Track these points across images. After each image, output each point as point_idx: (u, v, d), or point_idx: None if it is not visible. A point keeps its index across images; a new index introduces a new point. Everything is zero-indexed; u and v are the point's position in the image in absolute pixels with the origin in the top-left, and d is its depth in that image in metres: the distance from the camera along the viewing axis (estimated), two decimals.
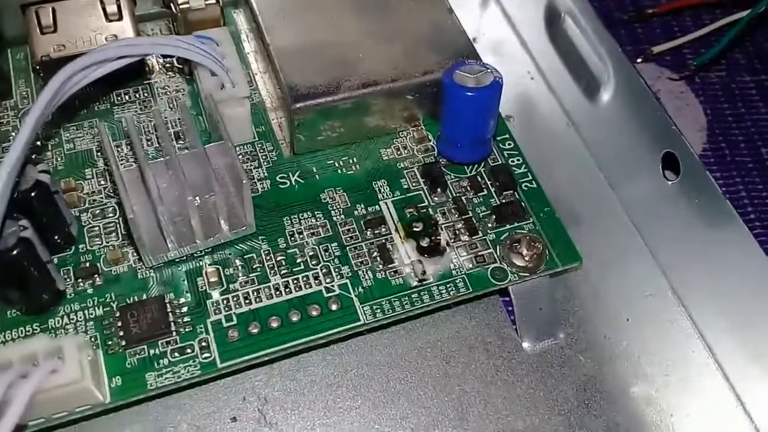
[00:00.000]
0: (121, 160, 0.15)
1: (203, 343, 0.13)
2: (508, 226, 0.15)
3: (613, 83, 0.16)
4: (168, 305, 0.13)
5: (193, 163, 0.13)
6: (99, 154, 0.15)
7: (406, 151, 0.16)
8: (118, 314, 0.13)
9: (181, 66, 0.16)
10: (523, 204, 0.15)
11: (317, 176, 0.15)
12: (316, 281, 0.13)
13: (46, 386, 0.10)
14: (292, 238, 0.14)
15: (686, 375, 0.14)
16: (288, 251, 0.14)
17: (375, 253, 0.14)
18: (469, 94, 0.14)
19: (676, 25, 0.21)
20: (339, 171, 0.15)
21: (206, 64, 0.14)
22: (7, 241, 0.11)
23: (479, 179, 0.15)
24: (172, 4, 0.15)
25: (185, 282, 0.13)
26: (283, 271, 0.14)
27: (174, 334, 0.13)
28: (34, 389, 0.10)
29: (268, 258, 0.14)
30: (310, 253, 0.14)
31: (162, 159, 0.13)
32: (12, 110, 0.16)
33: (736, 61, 0.20)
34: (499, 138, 0.16)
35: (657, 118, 0.15)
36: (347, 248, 0.14)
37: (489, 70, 0.15)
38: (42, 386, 0.10)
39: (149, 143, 0.15)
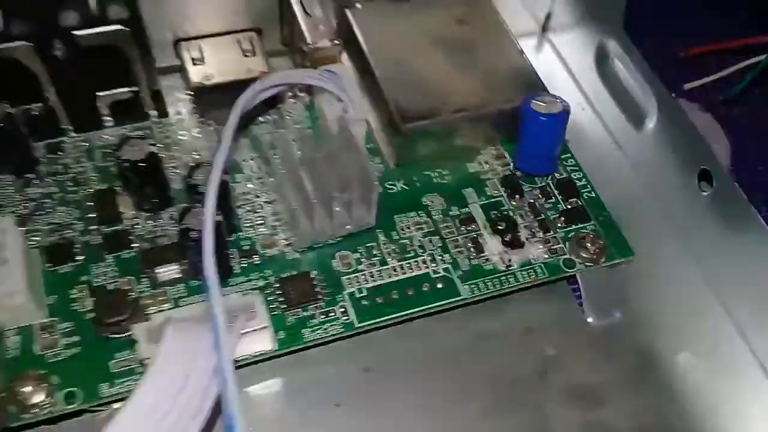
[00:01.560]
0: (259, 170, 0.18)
1: (342, 309, 0.16)
2: (574, 226, 0.18)
3: (656, 114, 0.19)
4: (313, 279, 0.16)
5: (331, 168, 0.16)
6: (244, 161, 0.18)
7: (487, 166, 0.19)
8: (277, 285, 0.16)
9: (303, 94, 0.20)
10: (585, 209, 0.18)
11: (418, 184, 0.19)
12: (425, 265, 0.17)
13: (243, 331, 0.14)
14: (402, 232, 0.18)
15: (723, 357, 0.17)
16: (400, 242, 0.17)
17: (469, 245, 0.17)
18: (543, 119, 0.18)
19: (702, 67, 0.24)
20: (434, 180, 0.19)
21: (336, 92, 0.18)
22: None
23: (548, 189, 0.19)
24: (302, 44, 0.19)
25: (325, 262, 0.17)
26: (397, 258, 0.17)
27: (320, 301, 0.16)
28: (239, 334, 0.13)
29: (385, 246, 0.17)
30: (418, 244, 0.17)
31: (305, 166, 0.17)
32: (172, 125, 0.19)
33: (756, 98, 0.24)
34: (562, 156, 0.19)
35: (694, 141, 0.18)
36: (446, 240, 0.17)
37: (558, 101, 0.18)
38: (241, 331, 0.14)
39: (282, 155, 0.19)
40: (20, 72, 0.16)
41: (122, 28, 0.16)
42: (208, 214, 0.14)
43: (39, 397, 0.14)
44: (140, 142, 0.16)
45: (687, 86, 0.23)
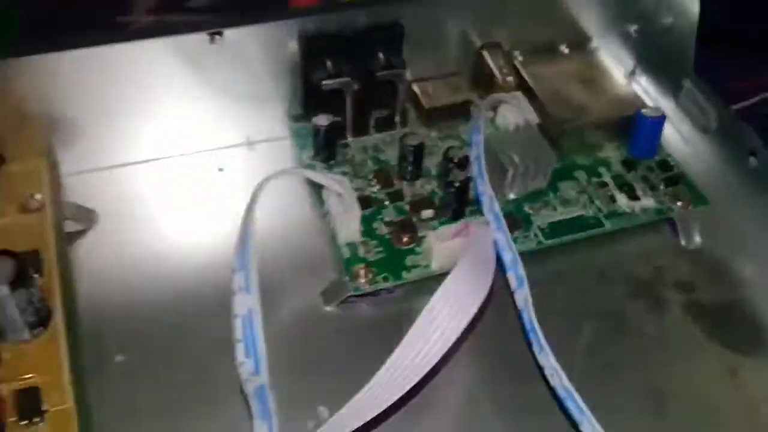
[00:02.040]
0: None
1: (534, 233, 0.26)
2: (670, 188, 0.28)
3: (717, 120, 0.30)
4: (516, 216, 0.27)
5: (523, 151, 0.27)
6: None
7: (612, 153, 0.29)
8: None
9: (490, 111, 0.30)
10: (676, 177, 0.28)
11: (568, 165, 0.29)
12: (586, 210, 0.27)
13: None
14: (562, 192, 0.28)
15: None
16: (562, 197, 0.28)
17: (607, 199, 0.28)
18: (649, 120, 0.28)
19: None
20: (578, 162, 0.29)
21: (521, 106, 0.28)
22: None
23: (652, 166, 0.29)
24: (494, 80, 0.30)
25: (521, 207, 0.27)
26: (561, 207, 0.27)
27: (521, 229, 0.26)
28: None
29: (553, 199, 0.28)
30: (573, 198, 0.27)
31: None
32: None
33: None
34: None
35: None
36: (591, 197, 0.28)
37: (658, 110, 0.29)
38: None
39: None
40: (337, 96, 0.27)
41: (401, 71, 0.27)
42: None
43: (366, 278, 0.25)
44: (414, 136, 0.27)
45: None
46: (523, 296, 0.21)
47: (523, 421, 0.22)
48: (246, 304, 0.21)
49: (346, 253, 0.25)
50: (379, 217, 0.26)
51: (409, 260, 0.25)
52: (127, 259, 0.25)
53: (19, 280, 0.21)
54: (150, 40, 0.25)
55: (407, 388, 0.19)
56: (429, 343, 0.20)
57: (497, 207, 0.23)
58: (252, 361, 0.20)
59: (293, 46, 0.27)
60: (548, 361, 0.20)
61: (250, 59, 0.27)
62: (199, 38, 0.25)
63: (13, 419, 0.20)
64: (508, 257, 0.22)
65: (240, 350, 0.21)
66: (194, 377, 0.22)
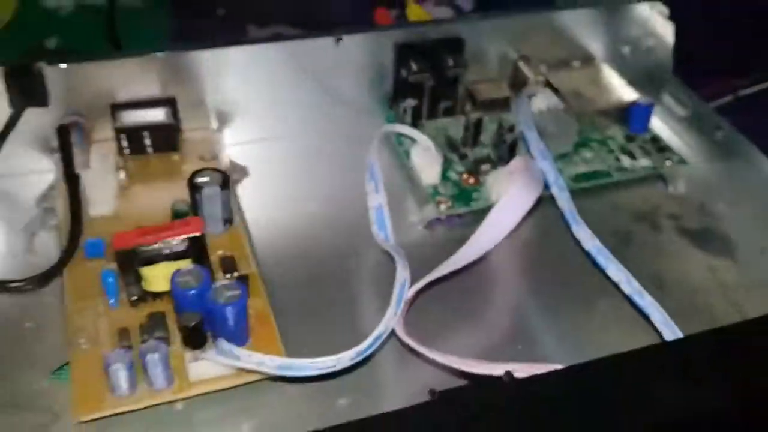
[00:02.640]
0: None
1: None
2: (661, 153, 0.38)
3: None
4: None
5: (555, 125, 0.37)
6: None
7: (615, 131, 0.40)
8: None
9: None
10: (663, 146, 0.39)
11: (584, 138, 0.39)
12: (599, 166, 0.37)
13: None
14: (578, 153, 0.38)
15: None
16: (580, 156, 0.38)
17: (616, 159, 0.38)
18: (644, 106, 0.39)
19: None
20: (591, 136, 0.39)
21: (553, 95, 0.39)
22: None
23: (646, 139, 0.39)
24: (528, 79, 0.40)
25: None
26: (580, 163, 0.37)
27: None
28: None
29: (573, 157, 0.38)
30: (591, 159, 0.38)
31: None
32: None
33: None
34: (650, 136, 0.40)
35: None
36: (604, 159, 0.38)
37: (648, 99, 0.39)
38: None
39: None
40: (418, 89, 0.38)
41: (462, 70, 0.38)
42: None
43: (446, 205, 0.34)
44: (476, 113, 0.37)
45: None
46: (565, 198, 0.31)
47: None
48: (377, 200, 0.31)
49: (430, 189, 0.35)
50: (451, 168, 0.36)
51: (474, 195, 0.35)
52: (270, 198, 0.35)
53: (225, 184, 0.30)
54: (289, 42, 0.36)
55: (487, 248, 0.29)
56: (500, 226, 0.30)
57: (542, 144, 0.33)
58: (383, 232, 0.30)
59: (389, 51, 0.37)
60: (588, 237, 0.30)
61: (359, 59, 0.38)
62: (326, 41, 0.36)
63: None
64: (551, 177, 0.32)
65: (375, 229, 0.31)
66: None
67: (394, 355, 0.27)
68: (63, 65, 0.32)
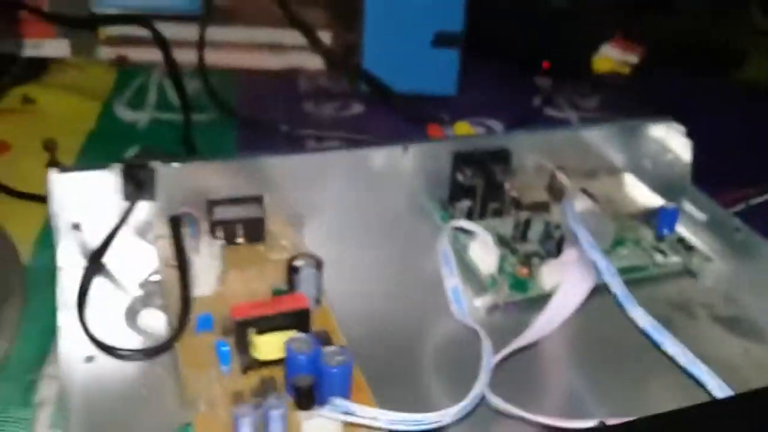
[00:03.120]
0: None
1: None
2: (688, 251, 0.42)
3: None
4: None
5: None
6: None
7: (644, 234, 0.44)
8: None
9: None
10: (690, 246, 0.43)
11: (618, 238, 0.43)
12: (636, 261, 0.41)
13: None
14: (623, 252, 0.42)
15: None
16: None
17: (647, 255, 0.42)
18: (671, 210, 0.43)
19: None
20: (625, 236, 0.44)
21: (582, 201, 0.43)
22: None
23: (674, 240, 0.43)
24: (562, 191, 0.45)
25: None
26: None
27: None
28: None
29: None
30: (632, 256, 0.42)
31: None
32: None
33: None
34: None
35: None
36: (641, 254, 0.42)
37: (672, 204, 0.44)
38: None
39: None
40: (470, 192, 0.42)
41: (507, 176, 0.43)
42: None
43: (504, 292, 0.38)
44: (525, 213, 0.41)
45: None
46: (617, 283, 0.35)
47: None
48: (453, 282, 0.35)
49: (489, 279, 0.39)
50: (505, 261, 0.40)
51: (529, 284, 0.39)
52: (345, 285, 0.39)
53: (319, 266, 0.34)
54: (364, 149, 0.41)
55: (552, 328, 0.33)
56: (564, 307, 0.34)
57: (591, 237, 0.37)
58: (460, 309, 0.34)
59: (447, 158, 0.42)
60: (642, 315, 0.33)
61: (421, 165, 0.42)
62: (396, 149, 0.41)
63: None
64: (603, 265, 0.36)
65: (454, 307, 0.36)
66: None
67: (482, 416, 0.30)
68: (175, 164, 0.37)
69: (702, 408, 0.25)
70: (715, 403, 0.25)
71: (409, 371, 0.33)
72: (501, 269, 0.40)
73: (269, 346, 0.30)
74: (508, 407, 0.29)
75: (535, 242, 0.42)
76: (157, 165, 0.37)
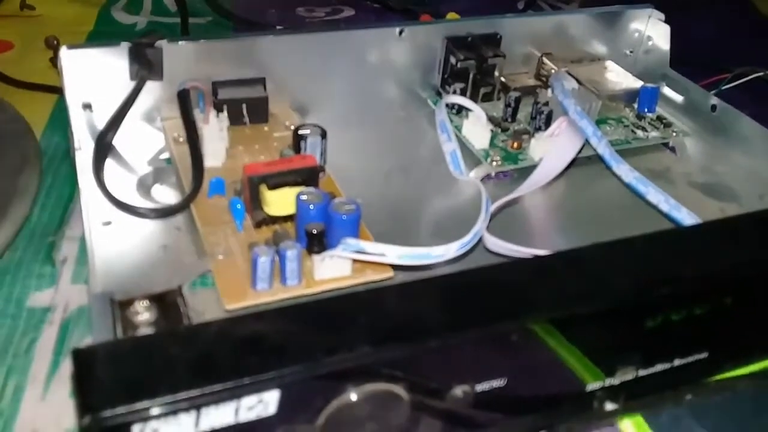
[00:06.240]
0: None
1: None
2: (667, 127, 0.43)
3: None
4: None
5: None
6: None
7: (626, 113, 0.45)
8: None
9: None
10: (669, 123, 0.44)
11: (603, 117, 0.44)
12: (618, 136, 0.42)
13: None
14: (606, 128, 0.43)
15: None
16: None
17: (629, 131, 0.43)
18: (651, 88, 0.44)
19: None
20: (608, 116, 0.44)
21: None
22: None
23: (654, 117, 0.44)
24: (544, 72, 0.45)
25: None
26: None
27: None
28: None
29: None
30: (615, 131, 0.42)
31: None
32: None
33: None
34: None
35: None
36: (623, 130, 0.43)
37: (654, 85, 0.44)
38: None
39: None
40: (463, 74, 0.43)
41: (500, 59, 0.43)
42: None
43: (497, 163, 0.39)
44: (515, 92, 0.42)
45: None
46: (603, 144, 0.36)
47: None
48: (451, 146, 0.36)
49: (482, 153, 0.39)
50: (496, 139, 0.41)
51: (520, 156, 0.39)
52: (346, 157, 0.39)
53: (324, 134, 0.34)
54: (360, 30, 0.41)
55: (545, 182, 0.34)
56: (555, 165, 0.35)
57: (579, 107, 0.38)
58: (458, 170, 0.35)
59: (439, 40, 0.42)
60: (628, 170, 0.34)
61: (415, 48, 0.42)
62: (390, 31, 0.41)
63: None
64: (590, 130, 0.37)
65: (452, 168, 0.37)
66: None
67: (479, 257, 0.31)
68: (182, 42, 0.37)
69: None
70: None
71: (412, 230, 0.34)
72: (493, 144, 0.40)
73: (281, 201, 0.31)
74: (505, 245, 0.30)
75: (524, 122, 0.42)
76: (163, 44, 0.36)
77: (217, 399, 0.19)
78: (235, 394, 0.19)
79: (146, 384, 0.19)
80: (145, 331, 0.24)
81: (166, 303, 0.26)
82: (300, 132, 0.34)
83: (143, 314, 0.25)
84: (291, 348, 0.20)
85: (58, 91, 0.44)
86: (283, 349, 0.20)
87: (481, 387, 0.22)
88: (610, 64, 0.48)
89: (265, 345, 0.20)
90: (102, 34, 0.53)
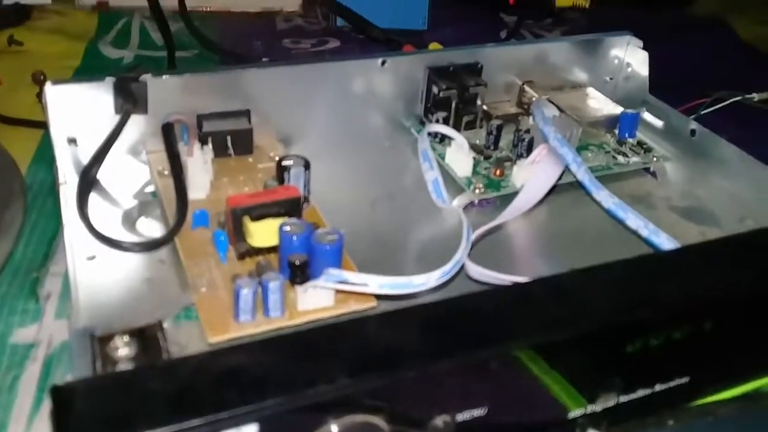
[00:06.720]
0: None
1: None
2: (648, 153, 0.44)
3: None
4: None
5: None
6: None
7: (606, 139, 0.45)
8: None
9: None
10: (650, 148, 0.44)
11: (584, 143, 0.44)
12: (599, 162, 0.42)
13: None
14: (588, 155, 0.43)
15: None
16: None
17: (610, 157, 0.43)
18: (631, 115, 0.44)
19: None
20: (589, 142, 0.45)
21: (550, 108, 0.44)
22: None
23: (634, 143, 0.45)
24: (526, 101, 0.46)
25: None
26: None
27: None
28: None
29: None
30: (596, 158, 0.43)
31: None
32: None
33: None
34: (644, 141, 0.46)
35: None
36: (604, 156, 0.43)
37: (634, 111, 0.45)
38: None
39: None
40: (446, 103, 0.43)
41: (482, 88, 0.43)
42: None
43: (480, 191, 0.39)
44: (497, 121, 0.42)
45: None
46: (583, 170, 0.36)
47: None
48: (433, 175, 0.36)
49: (465, 180, 0.40)
50: (479, 166, 0.41)
51: (502, 184, 0.40)
52: (330, 186, 0.39)
53: (307, 165, 0.35)
54: (343, 62, 0.41)
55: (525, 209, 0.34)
56: (534, 192, 0.35)
57: (560, 135, 0.38)
58: (441, 199, 0.35)
59: (421, 70, 0.43)
60: (607, 196, 0.34)
61: (398, 78, 0.43)
62: (373, 62, 0.41)
63: None
64: (569, 157, 0.37)
65: (434, 197, 0.37)
66: None
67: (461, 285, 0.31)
68: (165, 76, 0.37)
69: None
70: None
71: (397, 259, 0.34)
72: (475, 172, 0.40)
73: (264, 232, 0.31)
74: (487, 273, 0.30)
75: (506, 149, 0.43)
76: (147, 78, 0.37)
77: None
78: (214, 428, 0.19)
79: (124, 420, 0.19)
80: (125, 366, 0.24)
81: (145, 337, 0.26)
82: (283, 163, 0.34)
83: (123, 349, 0.25)
84: (270, 381, 0.20)
85: (43, 126, 0.44)
86: (262, 381, 0.20)
87: (461, 416, 0.22)
88: (590, 90, 0.48)
89: (244, 378, 0.20)
90: (89, 69, 0.53)
